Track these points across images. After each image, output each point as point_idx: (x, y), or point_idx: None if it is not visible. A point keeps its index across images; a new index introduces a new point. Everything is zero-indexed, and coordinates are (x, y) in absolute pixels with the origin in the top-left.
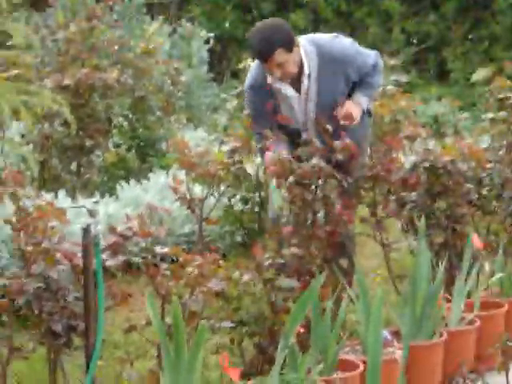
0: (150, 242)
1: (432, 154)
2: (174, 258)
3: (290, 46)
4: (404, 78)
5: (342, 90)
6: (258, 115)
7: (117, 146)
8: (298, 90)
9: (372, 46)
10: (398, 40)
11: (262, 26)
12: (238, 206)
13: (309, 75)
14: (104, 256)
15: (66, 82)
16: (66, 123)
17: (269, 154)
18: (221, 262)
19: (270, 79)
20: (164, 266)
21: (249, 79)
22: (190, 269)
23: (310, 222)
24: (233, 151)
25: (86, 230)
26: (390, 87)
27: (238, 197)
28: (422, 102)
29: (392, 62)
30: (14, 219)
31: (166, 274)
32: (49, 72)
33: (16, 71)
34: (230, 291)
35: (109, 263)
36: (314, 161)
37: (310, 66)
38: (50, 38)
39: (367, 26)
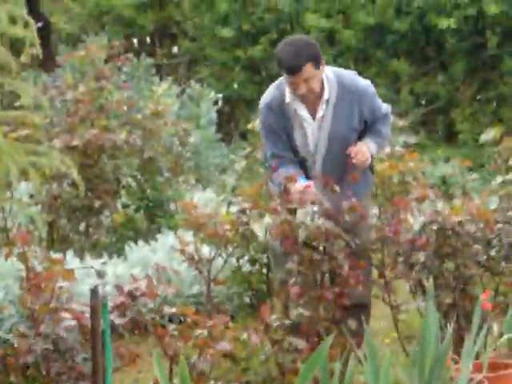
0: (158, 302)
1: (440, 216)
2: (182, 319)
3: (318, 62)
4: (413, 139)
5: (354, 126)
6: (272, 133)
7: (125, 206)
8: (313, 115)
9: None
10: (406, 101)
11: (291, 40)
12: (246, 267)
13: (327, 101)
14: (112, 316)
15: (75, 142)
16: (74, 184)
17: (297, 184)
18: (229, 323)
19: (288, 98)
20: (172, 326)
21: (266, 98)
22: (198, 330)
23: (318, 283)
24: (241, 212)
25: (94, 291)
26: (398, 148)
27: (246, 258)
28: (431, 162)
29: (401, 122)
30: (22, 279)
31: (174, 334)
32: (57, 132)
33: (25, 131)
34: (239, 352)
35: (117, 323)
36: (321, 221)
37: (329, 92)
38: (59, 99)
39: (376, 87)
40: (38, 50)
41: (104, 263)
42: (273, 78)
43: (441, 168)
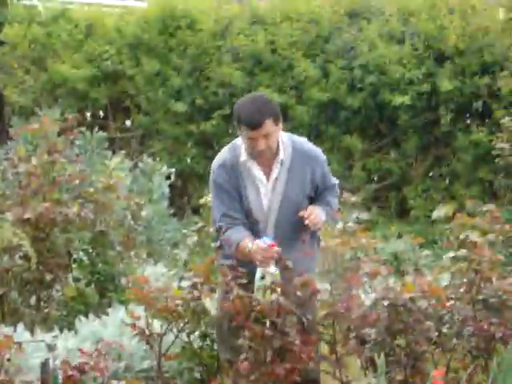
0: (107, 377)
1: (392, 292)
2: None
3: (277, 119)
4: (365, 216)
5: (307, 191)
6: (223, 193)
7: (76, 280)
8: (267, 176)
9: None
10: (358, 177)
11: (252, 97)
12: (197, 343)
13: (282, 161)
14: None
15: (27, 215)
16: (25, 257)
17: (260, 242)
18: None
19: (243, 156)
20: None
21: (219, 159)
22: None
23: (268, 359)
24: (193, 286)
25: (44, 364)
26: (350, 224)
27: (196, 333)
28: (383, 239)
29: (353, 198)
30: None
31: None
32: (10, 205)
33: None
34: None
35: None
36: (273, 297)
37: (284, 153)
38: (11, 171)
39: (328, 163)
40: None
41: (55, 337)
42: None
43: (393, 244)
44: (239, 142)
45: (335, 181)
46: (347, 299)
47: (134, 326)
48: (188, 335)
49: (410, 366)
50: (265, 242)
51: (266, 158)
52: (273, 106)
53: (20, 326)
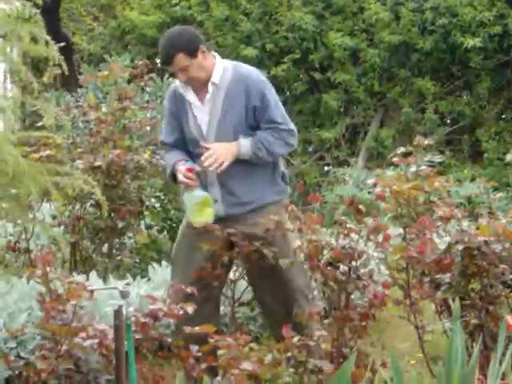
0: (181, 323)
1: (466, 235)
2: None
3: (192, 51)
4: (438, 159)
5: (245, 118)
6: (169, 122)
7: (149, 227)
8: (202, 100)
9: (405, 126)
10: (431, 120)
11: (168, 32)
12: None
13: (215, 84)
14: (135, 337)
15: (98, 163)
16: (97, 204)
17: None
18: (253, 344)
19: (177, 83)
20: (195, 348)
21: (172, 85)
22: (221, 351)
23: (343, 303)
24: (266, 232)
25: (117, 312)
26: (423, 167)
27: None
28: (456, 182)
29: (426, 142)
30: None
31: (197, 356)
32: (80, 153)
33: (47, 152)
34: (263, 373)
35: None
36: (346, 241)
37: (221, 77)
38: (82, 119)
39: (400, 106)
40: (61, 69)
41: (127, 284)
42: (297, 98)
43: (466, 187)
44: None
45: (284, 126)
46: (421, 243)
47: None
48: None
49: (484, 309)
50: (185, 165)
51: (199, 84)
52: (186, 39)
53: (93, 274)
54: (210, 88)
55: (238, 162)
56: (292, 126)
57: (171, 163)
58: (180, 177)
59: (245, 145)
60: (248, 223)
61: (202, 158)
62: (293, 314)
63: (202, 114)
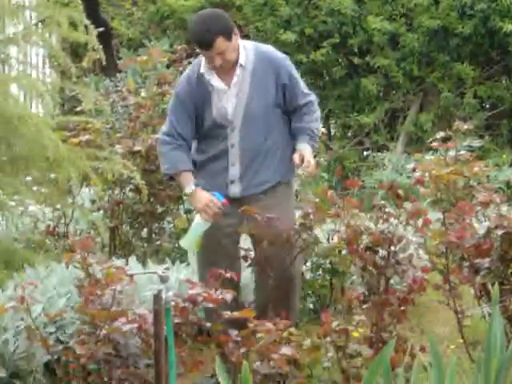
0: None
1: (506, 220)
2: None
3: (229, 34)
4: (477, 144)
5: (274, 97)
6: (182, 111)
7: (188, 212)
8: (228, 84)
9: (444, 111)
10: (470, 105)
11: (201, 16)
12: (310, 273)
13: (242, 66)
14: (174, 321)
15: (137, 147)
16: (136, 189)
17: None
18: (292, 329)
19: (202, 68)
20: (234, 332)
21: (187, 71)
22: (260, 335)
23: (382, 288)
24: (305, 217)
25: (157, 296)
26: (462, 152)
27: (308, 263)
28: (495, 167)
29: (465, 126)
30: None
31: (236, 340)
32: (119, 138)
33: (86, 137)
34: (302, 358)
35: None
36: (385, 226)
37: (246, 58)
38: (121, 104)
39: (439, 91)
40: (99, 55)
41: (166, 269)
42: (336, 82)
43: (505, 172)
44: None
45: (312, 97)
46: (460, 228)
47: (245, 257)
48: None
49: None
50: (216, 197)
51: (226, 69)
52: (223, 23)
53: (132, 259)
54: (238, 70)
55: (264, 141)
56: (313, 95)
57: (176, 163)
58: (204, 205)
59: (307, 147)
60: (259, 205)
61: (297, 162)
62: (289, 298)
63: (229, 97)
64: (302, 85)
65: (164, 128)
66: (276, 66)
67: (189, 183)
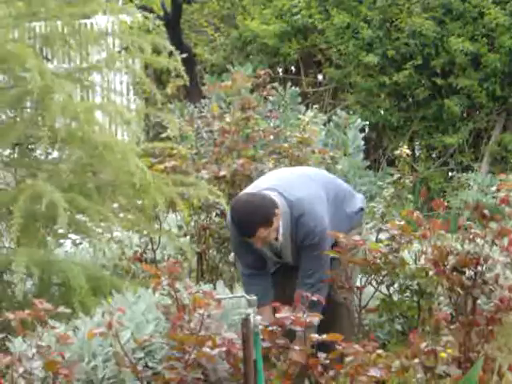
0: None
1: None
2: None
3: (269, 221)
4: None
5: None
6: (242, 248)
7: None
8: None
9: None
10: None
11: (243, 206)
12: (397, 295)
13: (282, 233)
14: (262, 345)
15: (222, 172)
16: (222, 214)
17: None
18: (380, 350)
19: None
20: (323, 355)
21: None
22: (349, 358)
23: (469, 308)
24: (391, 239)
25: (245, 320)
26: None
27: (396, 285)
28: None
29: None
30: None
31: (325, 363)
32: (205, 163)
33: (172, 163)
34: (391, 380)
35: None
36: (471, 246)
37: (284, 228)
38: (205, 129)
39: None
40: (183, 80)
41: None
42: (420, 104)
43: None
44: None
45: (314, 279)
46: None
47: (332, 279)
48: (387, 287)
49: None
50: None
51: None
52: (263, 212)
53: (219, 283)
54: (279, 239)
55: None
56: (324, 265)
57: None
58: None
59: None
60: None
61: None
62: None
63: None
64: (318, 263)
65: (239, 267)
66: (303, 232)
67: None
